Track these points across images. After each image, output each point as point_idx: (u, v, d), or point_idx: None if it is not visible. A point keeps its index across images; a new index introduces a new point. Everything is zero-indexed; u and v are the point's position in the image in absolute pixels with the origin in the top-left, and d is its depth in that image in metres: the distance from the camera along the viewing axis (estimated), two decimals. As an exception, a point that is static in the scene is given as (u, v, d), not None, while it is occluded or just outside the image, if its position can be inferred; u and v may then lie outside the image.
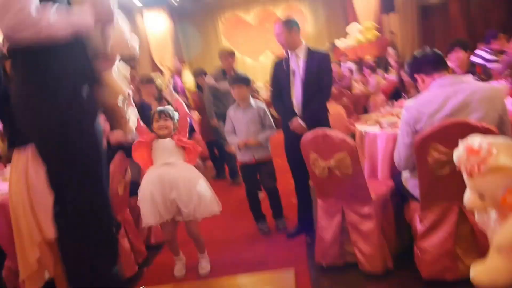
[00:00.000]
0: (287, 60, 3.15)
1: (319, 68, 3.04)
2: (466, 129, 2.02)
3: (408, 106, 2.31)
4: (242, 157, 3.51)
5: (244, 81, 3.39)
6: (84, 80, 1.74)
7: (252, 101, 3.45)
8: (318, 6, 13.00)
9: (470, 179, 1.35)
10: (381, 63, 8.12)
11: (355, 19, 11.70)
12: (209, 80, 4.99)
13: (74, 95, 1.71)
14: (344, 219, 2.67)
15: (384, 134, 2.96)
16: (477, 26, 8.65)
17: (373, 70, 6.64)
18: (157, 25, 11.07)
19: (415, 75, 2.43)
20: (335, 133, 2.52)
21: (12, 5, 1.48)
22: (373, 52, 9.98)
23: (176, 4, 11.31)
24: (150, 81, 4.62)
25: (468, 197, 1.41)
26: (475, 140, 1.34)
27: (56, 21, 1.57)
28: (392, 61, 7.22)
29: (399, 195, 2.70)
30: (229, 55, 4.86)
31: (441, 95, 2.22)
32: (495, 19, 8.45)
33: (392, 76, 6.65)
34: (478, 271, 1.38)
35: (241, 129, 3.44)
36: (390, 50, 7.98)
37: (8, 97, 1.91)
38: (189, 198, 2.69)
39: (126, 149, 2.95)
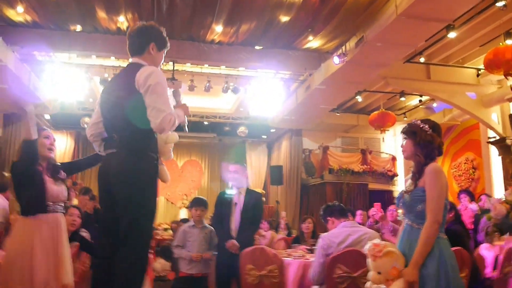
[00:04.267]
0: (230, 193, 4.11)
1: (255, 204, 4.05)
2: (360, 257, 3.07)
3: (323, 236, 3.35)
4: (190, 270, 4.08)
5: (203, 204, 4.22)
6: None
7: (205, 222, 4.23)
8: (215, 165, 14.71)
9: (373, 262, 2.33)
10: (273, 224, 9.42)
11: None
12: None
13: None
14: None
15: (295, 263, 3.88)
16: (346, 206, 10.74)
17: (271, 226, 7.81)
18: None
19: (328, 218, 3.54)
20: (269, 249, 3.41)
21: (163, 110, 2.32)
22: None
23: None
24: (88, 191, 5.02)
25: (371, 274, 2.35)
26: (376, 240, 2.39)
27: (176, 121, 2.43)
28: (283, 222, 8.53)
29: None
30: None
31: (345, 232, 3.32)
32: (360, 202, 10.71)
33: (281, 235, 7.82)
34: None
35: (194, 245, 4.10)
36: (283, 214, 9.40)
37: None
38: None
39: None
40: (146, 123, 2.37)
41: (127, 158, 2.39)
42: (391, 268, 2.27)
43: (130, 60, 2.67)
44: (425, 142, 2.42)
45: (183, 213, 12.72)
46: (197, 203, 4.30)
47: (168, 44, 2.74)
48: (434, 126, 2.48)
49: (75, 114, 10.85)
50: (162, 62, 2.75)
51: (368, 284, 2.45)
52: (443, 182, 2.35)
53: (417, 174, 2.43)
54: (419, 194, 2.34)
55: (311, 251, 4.15)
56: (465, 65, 8.55)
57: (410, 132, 2.48)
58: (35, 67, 8.44)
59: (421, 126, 2.46)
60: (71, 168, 3.31)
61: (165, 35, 2.70)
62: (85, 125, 10.29)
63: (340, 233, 3.32)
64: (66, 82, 8.83)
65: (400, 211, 2.59)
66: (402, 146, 2.55)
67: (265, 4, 6.46)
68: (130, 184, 2.36)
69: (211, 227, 4.28)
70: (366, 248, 2.40)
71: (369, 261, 2.37)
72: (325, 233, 3.43)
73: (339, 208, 3.55)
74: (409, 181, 2.50)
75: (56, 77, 8.74)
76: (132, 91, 2.40)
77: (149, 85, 2.36)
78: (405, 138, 2.51)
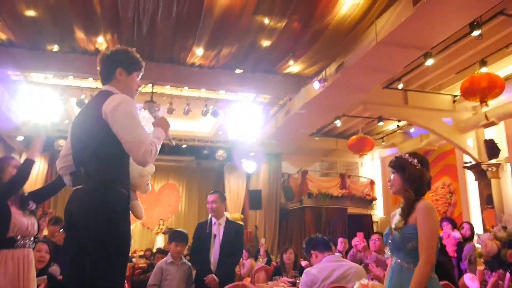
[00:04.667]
0: (210, 224, 3.95)
1: (235, 237, 3.89)
2: (346, 293, 2.96)
3: (307, 272, 3.22)
4: None
5: (183, 239, 4.01)
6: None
7: (183, 258, 4.01)
8: (193, 189, 14.47)
9: (363, 304, 2.23)
10: (252, 251, 9.21)
11: (225, 209, 13.20)
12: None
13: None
14: None
15: (277, 297, 3.75)
16: (325, 231, 10.64)
17: (250, 254, 7.60)
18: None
19: (311, 251, 3.42)
20: (251, 286, 3.25)
21: (142, 141, 2.14)
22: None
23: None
24: (58, 221, 4.80)
25: (362, 316, 2.25)
26: (363, 281, 2.29)
27: (158, 147, 2.24)
28: (262, 250, 8.35)
29: None
30: None
31: (329, 267, 3.20)
32: (339, 227, 10.62)
33: (261, 263, 7.61)
34: None
35: (172, 284, 3.85)
36: (262, 241, 9.22)
37: None
38: None
39: None
40: (114, 156, 2.20)
41: (93, 196, 2.16)
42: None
43: (102, 88, 2.48)
44: (415, 177, 2.35)
45: (160, 239, 12.36)
46: (178, 238, 4.04)
47: (142, 64, 2.52)
48: (423, 161, 2.41)
49: (50, 136, 10.51)
50: (138, 86, 2.53)
51: None
52: (435, 220, 2.28)
53: (406, 210, 2.34)
54: (410, 232, 2.25)
55: (293, 284, 4.02)
56: (442, 92, 8.71)
57: (399, 166, 2.40)
58: (9, 87, 8.18)
59: (410, 160, 2.39)
60: (38, 197, 3.10)
61: (135, 56, 2.49)
62: (60, 148, 9.97)
63: (325, 268, 3.20)
64: (41, 103, 8.57)
65: (387, 249, 2.48)
66: (389, 180, 2.48)
67: (247, 28, 6.44)
68: (96, 226, 2.11)
69: (188, 263, 4.07)
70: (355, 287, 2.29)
71: (359, 303, 2.27)
72: (309, 268, 3.31)
73: (323, 241, 3.44)
74: (397, 216, 2.41)
75: (30, 97, 8.48)
76: (98, 122, 2.21)
77: (119, 117, 2.18)
78: (392, 172, 2.43)
